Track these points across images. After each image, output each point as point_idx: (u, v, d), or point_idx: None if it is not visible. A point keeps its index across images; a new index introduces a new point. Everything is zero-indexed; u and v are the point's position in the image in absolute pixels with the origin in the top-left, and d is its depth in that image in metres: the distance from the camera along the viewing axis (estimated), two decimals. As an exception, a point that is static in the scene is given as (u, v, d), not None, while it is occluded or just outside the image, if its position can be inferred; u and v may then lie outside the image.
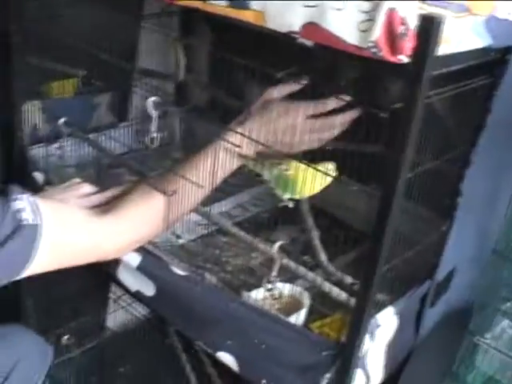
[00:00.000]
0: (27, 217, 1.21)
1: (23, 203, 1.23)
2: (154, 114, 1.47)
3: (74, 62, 1.96)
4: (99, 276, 1.76)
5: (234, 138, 1.37)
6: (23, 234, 1.20)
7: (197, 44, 1.52)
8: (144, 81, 1.79)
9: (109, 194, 1.50)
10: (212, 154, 1.38)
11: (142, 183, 1.45)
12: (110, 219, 1.39)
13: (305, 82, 1.30)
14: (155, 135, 1.48)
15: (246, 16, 1.17)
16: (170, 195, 1.40)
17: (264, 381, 1.35)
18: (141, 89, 1.75)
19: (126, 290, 1.60)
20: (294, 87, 1.35)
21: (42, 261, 1.25)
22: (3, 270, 1.21)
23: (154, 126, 1.48)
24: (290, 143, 1.36)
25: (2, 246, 1.18)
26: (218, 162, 1.38)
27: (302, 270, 1.41)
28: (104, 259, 1.46)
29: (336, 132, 1.36)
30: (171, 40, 1.71)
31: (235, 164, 1.41)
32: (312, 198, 1.48)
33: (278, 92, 1.36)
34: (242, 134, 1.36)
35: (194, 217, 1.64)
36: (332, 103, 1.32)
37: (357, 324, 1.22)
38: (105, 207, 1.44)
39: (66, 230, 1.32)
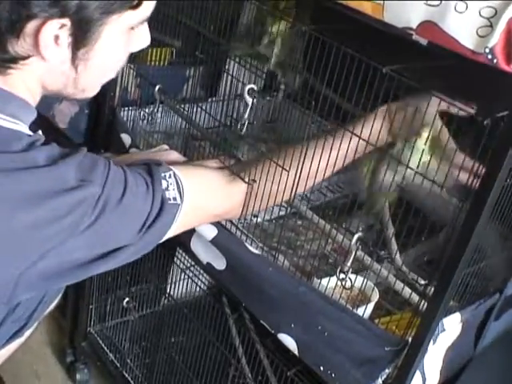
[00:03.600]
0: (172, 195, 1.26)
1: (170, 180, 1.27)
2: (250, 101, 1.48)
3: (172, 31, 1.98)
4: (167, 244, 1.79)
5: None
6: (165, 217, 1.24)
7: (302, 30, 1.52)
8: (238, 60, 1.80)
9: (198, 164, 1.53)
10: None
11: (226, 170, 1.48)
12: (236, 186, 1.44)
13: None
14: (246, 121, 1.49)
15: (364, 7, 1.18)
16: (249, 184, 1.43)
17: (322, 367, 1.36)
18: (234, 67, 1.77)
19: (196, 261, 1.63)
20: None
21: (172, 233, 1.31)
22: (137, 253, 1.26)
23: (247, 113, 1.49)
24: None
25: (150, 227, 1.22)
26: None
27: (376, 266, 1.41)
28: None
29: None
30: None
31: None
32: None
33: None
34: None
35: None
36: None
37: (425, 326, 1.23)
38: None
39: (203, 198, 1.37)
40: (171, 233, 1.30)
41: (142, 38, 1.25)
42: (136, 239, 1.21)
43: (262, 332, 1.51)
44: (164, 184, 1.25)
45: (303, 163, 1.39)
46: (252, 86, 1.46)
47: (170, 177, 1.27)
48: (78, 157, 1.14)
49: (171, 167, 1.29)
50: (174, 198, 1.25)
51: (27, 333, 1.53)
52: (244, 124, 1.47)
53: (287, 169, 1.40)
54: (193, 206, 1.31)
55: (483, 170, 1.11)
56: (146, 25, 1.24)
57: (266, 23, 1.72)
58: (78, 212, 1.11)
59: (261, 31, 1.74)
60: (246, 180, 1.42)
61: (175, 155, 1.53)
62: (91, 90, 1.28)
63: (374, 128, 1.35)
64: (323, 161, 1.39)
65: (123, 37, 1.18)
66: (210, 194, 1.40)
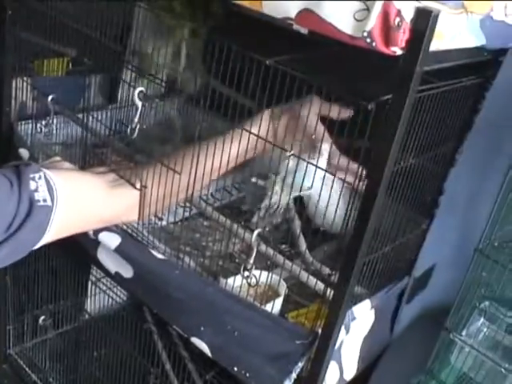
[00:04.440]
0: (41, 197, 1.21)
1: (39, 182, 1.22)
2: (139, 104, 1.46)
3: (66, 40, 1.95)
4: (80, 257, 1.76)
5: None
6: (36, 218, 1.19)
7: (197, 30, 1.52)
8: (135, 64, 1.78)
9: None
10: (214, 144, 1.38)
11: (115, 174, 1.45)
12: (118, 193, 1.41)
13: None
14: (138, 125, 1.47)
15: (242, 0, 1.16)
16: (139, 190, 1.41)
17: (236, 368, 1.35)
18: (131, 72, 1.74)
19: (106, 272, 1.60)
20: (342, 114, 1.30)
21: (51, 237, 1.26)
22: (13, 253, 1.21)
23: (137, 117, 1.47)
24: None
25: (16, 232, 1.17)
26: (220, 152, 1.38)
27: (280, 258, 1.41)
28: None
29: None
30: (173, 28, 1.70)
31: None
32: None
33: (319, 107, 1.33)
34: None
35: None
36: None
37: (333, 315, 1.22)
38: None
39: (82, 203, 1.33)
40: (50, 236, 1.25)
41: None
42: (3, 239, 1.17)
43: (184, 336, 1.50)
44: (33, 185, 1.20)
45: (195, 165, 1.38)
46: (141, 88, 1.43)
47: (40, 178, 1.22)
48: None
49: (42, 169, 1.25)
50: (44, 200, 1.21)
51: None
52: (135, 128, 1.45)
53: (179, 171, 1.38)
54: (70, 209, 1.27)
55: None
56: None
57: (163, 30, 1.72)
58: None
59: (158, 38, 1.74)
60: (138, 186, 1.40)
61: (67, 166, 1.49)
62: None
63: (261, 130, 1.35)
64: (214, 162, 1.39)
65: None
66: (89, 198, 1.36)
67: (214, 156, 1.37)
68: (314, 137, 1.32)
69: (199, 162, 1.38)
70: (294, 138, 1.34)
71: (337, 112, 1.27)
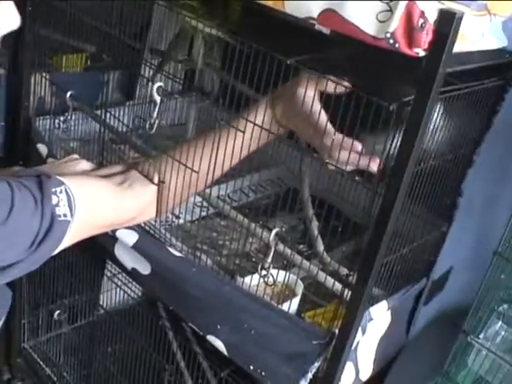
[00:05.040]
0: (62, 212, 1.20)
1: (61, 196, 1.21)
2: (158, 99, 1.46)
3: (85, 37, 1.96)
4: (96, 253, 1.77)
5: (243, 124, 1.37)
6: (55, 233, 1.19)
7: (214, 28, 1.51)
8: (153, 61, 1.78)
9: (104, 171, 1.49)
10: (217, 138, 1.37)
11: (134, 169, 1.45)
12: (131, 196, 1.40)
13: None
14: (156, 121, 1.47)
15: (264, 0, 1.16)
16: (157, 185, 1.40)
17: (251, 366, 1.35)
18: (150, 69, 1.75)
19: (122, 268, 1.60)
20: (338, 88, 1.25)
21: (62, 247, 1.25)
22: (29, 267, 1.21)
23: (155, 112, 1.47)
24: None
25: (36, 248, 1.17)
26: (223, 147, 1.37)
27: (297, 258, 1.40)
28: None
29: None
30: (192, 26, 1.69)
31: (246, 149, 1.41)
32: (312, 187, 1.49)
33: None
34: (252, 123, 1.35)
35: (194, 198, 1.64)
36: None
37: (350, 315, 1.22)
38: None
39: (96, 210, 1.32)
40: (62, 247, 1.25)
41: (8, 18, 1.20)
42: (25, 256, 1.17)
43: (199, 334, 1.50)
44: (54, 200, 1.20)
45: (206, 158, 1.38)
46: (160, 84, 1.43)
47: (61, 192, 1.22)
48: None
49: (64, 181, 1.24)
50: (65, 215, 1.20)
51: None
52: (153, 123, 1.45)
53: (190, 166, 1.38)
54: (85, 220, 1.26)
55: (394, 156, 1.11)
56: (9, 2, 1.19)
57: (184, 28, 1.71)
58: None
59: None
60: (156, 181, 1.40)
61: (84, 164, 1.49)
62: None
63: (265, 117, 1.34)
64: (222, 153, 1.37)
65: None
66: (102, 205, 1.35)
67: (219, 148, 1.36)
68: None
69: (204, 155, 1.38)
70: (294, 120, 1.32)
71: (333, 87, 1.24)
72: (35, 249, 1.17)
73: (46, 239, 1.17)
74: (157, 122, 1.45)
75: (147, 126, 1.46)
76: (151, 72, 1.66)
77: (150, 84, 1.57)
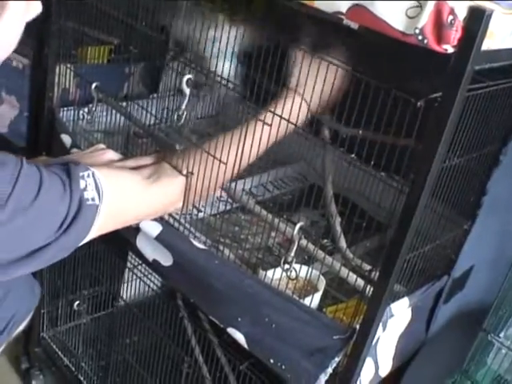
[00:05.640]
0: (90, 196, 1.22)
1: (88, 180, 1.23)
2: (188, 91, 1.46)
3: (109, 29, 1.97)
4: (118, 244, 1.77)
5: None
6: (84, 217, 1.21)
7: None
8: (178, 54, 1.78)
9: (131, 162, 1.50)
10: (245, 131, 1.38)
11: (162, 161, 1.46)
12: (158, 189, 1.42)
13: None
14: (185, 112, 1.48)
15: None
16: (185, 176, 1.41)
17: (272, 360, 1.35)
18: (174, 62, 1.75)
19: (143, 259, 1.61)
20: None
21: (93, 235, 1.27)
22: (59, 253, 1.22)
23: (184, 104, 1.47)
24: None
25: (65, 232, 1.19)
26: (251, 140, 1.39)
27: (320, 253, 1.40)
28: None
29: None
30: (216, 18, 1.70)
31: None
32: (335, 184, 1.49)
33: None
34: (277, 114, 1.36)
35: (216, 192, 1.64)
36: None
37: (371, 311, 1.22)
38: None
39: (123, 201, 1.34)
40: (92, 235, 1.26)
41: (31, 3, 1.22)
42: (54, 239, 1.18)
43: (217, 326, 1.50)
44: (82, 184, 1.21)
45: (233, 149, 1.40)
46: (189, 76, 1.44)
47: (88, 176, 1.23)
48: None
49: (90, 167, 1.26)
50: (93, 199, 1.22)
51: None
52: (182, 115, 1.46)
53: (218, 157, 1.40)
54: (113, 207, 1.27)
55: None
56: None
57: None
58: None
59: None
60: (184, 172, 1.41)
61: (111, 154, 1.50)
62: None
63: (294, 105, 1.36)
64: (249, 146, 1.40)
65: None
66: (131, 197, 1.37)
67: (246, 140, 1.39)
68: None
69: (232, 147, 1.40)
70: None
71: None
72: (64, 231, 1.18)
73: (74, 223, 1.19)
74: (185, 113, 1.45)
75: (175, 117, 1.47)
76: (179, 65, 1.66)
77: (178, 76, 1.58)
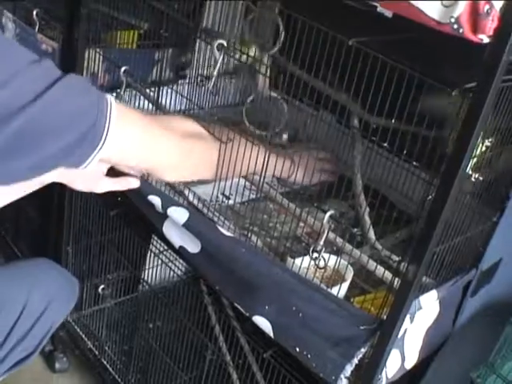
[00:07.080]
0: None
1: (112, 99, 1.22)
2: (219, 56, 1.46)
3: (139, 13, 1.96)
4: (143, 229, 1.78)
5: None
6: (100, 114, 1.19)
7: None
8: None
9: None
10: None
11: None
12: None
13: None
14: (217, 79, 1.48)
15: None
16: (224, 142, 1.42)
17: (297, 349, 1.35)
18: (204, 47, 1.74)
19: (169, 246, 1.61)
20: None
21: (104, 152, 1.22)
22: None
23: (216, 69, 1.47)
24: None
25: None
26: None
27: (348, 246, 1.40)
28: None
29: None
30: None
31: None
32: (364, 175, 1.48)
33: None
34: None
35: (243, 181, 1.65)
36: None
37: (399, 303, 1.21)
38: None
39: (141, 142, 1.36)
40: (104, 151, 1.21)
41: None
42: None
43: (240, 314, 1.50)
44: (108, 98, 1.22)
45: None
46: (221, 41, 1.43)
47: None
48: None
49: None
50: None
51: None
52: (214, 83, 1.46)
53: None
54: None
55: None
56: None
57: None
58: None
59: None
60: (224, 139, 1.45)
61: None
62: None
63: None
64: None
65: None
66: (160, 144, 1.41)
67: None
68: None
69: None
70: None
71: None
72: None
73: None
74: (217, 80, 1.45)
75: (211, 86, 1.47)
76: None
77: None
